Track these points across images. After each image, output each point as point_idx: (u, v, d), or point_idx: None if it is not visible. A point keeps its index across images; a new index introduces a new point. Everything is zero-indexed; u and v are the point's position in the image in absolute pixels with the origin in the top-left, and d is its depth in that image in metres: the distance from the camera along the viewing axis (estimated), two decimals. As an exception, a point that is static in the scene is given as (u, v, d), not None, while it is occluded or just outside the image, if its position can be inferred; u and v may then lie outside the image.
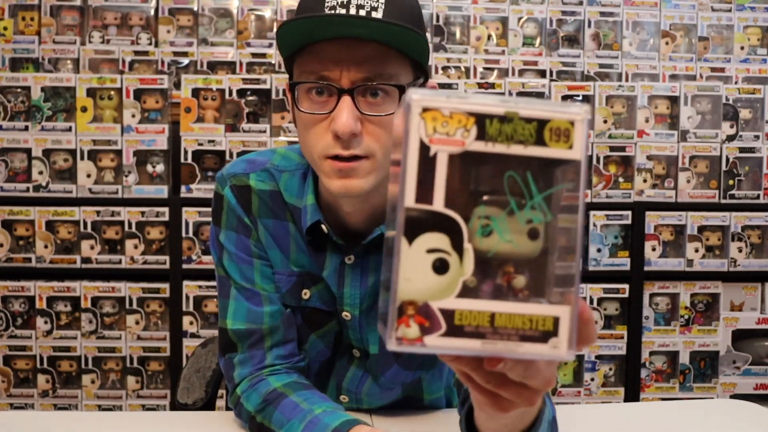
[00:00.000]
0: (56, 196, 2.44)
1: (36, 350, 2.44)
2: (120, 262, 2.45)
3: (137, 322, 2.46)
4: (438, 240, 0.48)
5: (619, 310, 2.56)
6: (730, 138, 2.59)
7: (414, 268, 0.48)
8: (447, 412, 1.19)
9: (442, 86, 2.51)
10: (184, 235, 2.45)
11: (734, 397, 2.51)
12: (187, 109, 2.46)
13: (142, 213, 2.45)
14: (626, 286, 2.53)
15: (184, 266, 2.45)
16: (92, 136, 2.44)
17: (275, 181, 1.11)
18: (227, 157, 2.46)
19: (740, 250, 2.57)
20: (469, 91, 2.55)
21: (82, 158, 2.44)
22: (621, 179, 2.56)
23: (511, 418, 0.70)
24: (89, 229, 2.43)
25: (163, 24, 2.68)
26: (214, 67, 2.70)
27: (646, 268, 2.54)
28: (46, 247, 2.44)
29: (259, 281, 1.11)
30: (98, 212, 2.44)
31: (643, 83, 2.58)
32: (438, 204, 0.47)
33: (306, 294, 1.11)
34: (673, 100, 2.58)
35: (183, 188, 2.47)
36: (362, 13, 0.91)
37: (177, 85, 2.57)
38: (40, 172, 2.44)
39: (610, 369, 2.57)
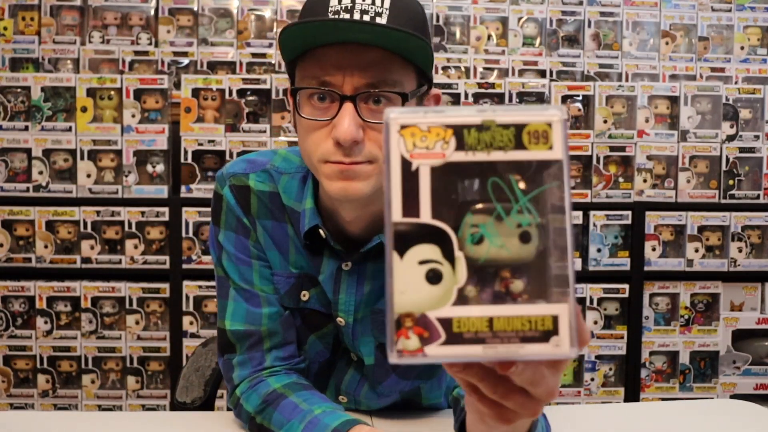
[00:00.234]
0: (56, 196, 2.44)
1: (36, 350, 2.44)
2: (120, 262, 2.45)
3: (137, 322, 2.46)
4: (429, 251, 0.48)
5: (619, 310, 2.56)
6: (730, 138, 2.59)
7: (407, 280, 0.48)
8: (447, 413, 1.19)
9: (443, 86, 2.51)
10: (184, 235, 2.45)
11: (734, 397, 2.51)
12: (187, 109, 2.46)
13: (142, 213, 2.45)
14: (626, 286, 2.53)
15: (184, 266, 2.46)
16: (92, 136, 2.44)
17: (274, 183, 1.10)
18: (227, 157, 2.46)
19: (740, 250, 2.57)
20: (469, 92, 2.55)
21: (82, 158, 2.44)
22: (621, 179, 2.56)
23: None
24: (89, 229, 2.44)
25: (163, 24, 2.68)
26: (214, 67, 2.70)
27: (646, 268, 2.54)
28: (46, 247, 2.44)
29: (258, 282, 1.11)
30: (98, 212, 2.44)
31: (643, 83, 2.58)
32: (425, 216, 0.48)
33: (305, 295, 1.11)
34: (673, 100, 2.58)
35: (183, 188, 2.47)
36: (366, 18, 0.90)
37: (177, 85, 2.57)
38: (40, 172, 2.44)
39: (610, 369, 2.57)
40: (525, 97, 2.57)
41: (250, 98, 2.51)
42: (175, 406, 1.37)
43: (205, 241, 2.46)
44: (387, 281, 0.48)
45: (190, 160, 2.47)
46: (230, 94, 2.48)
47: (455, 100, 2.55)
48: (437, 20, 2.76)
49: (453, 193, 0.49)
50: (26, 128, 2.44)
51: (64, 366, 2.46)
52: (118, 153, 2.44)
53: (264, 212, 1.10)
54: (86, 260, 2.44)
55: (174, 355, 2.46)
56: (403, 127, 0.49)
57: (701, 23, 2.81)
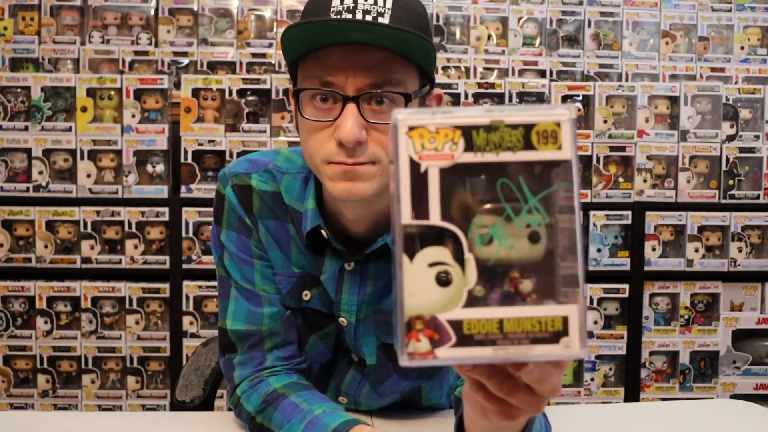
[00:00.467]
0: (56, 196, 2.44)
1: (36, 350, 2.44)
2: (120, 262, 2.45)
3: (137, 322, 2.46)
4: (439, 253, 0.48)
5: (619, 310, 2.56)
6: (730, 138, 2.59)
7: (418, 283, 0.48)
8: (448, 412, 1.19)
9: (443, 86, 2.51)
10: (184, 235, 2.45)
11: (734, 397, 2.51)
12: (187, 109, 2.46)
13: (142, 213, 2.45)
14: (626, 286, 2.53)
15: (184, 266, 2.45)
16: (92, 136, 2.44)
17: (276, 183, 1.10)
18: (227, 157, 2.46)
19: (740, 250, 2.57)
20: (469, 92, 2.55)
21: (82, 158, 2.43)
22: (621, 179, 2.56)
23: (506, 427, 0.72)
24: (89, 229, 2.43)
25: (163, 24, 2.68)
26: (214, 67, 2.70)
27: (646, 268, 2.54)
28: (46, 247, 2.44)
29: (260, 282, 1.11)
30: (98, 212, 2.44)
31: (643, 83, 2.58)
32: (435, 218, 0.48)
33: (306, 295, 1.11)
34: (673, 100, 2.58)
35: (183, 188, 2.47)
36: (369, 18, 0.90)
37: (177, 85, 2.57)
38: (40, 172, 2.44)
39: (610, 369, 2.57)
40: (525, 97, 2.57)
41: (250, 98, 2.51)
42: (175, 405, 1.37)
43: (205, 241, 2.46)
44: (396, 284, 0.48)
45: (190, 160, 2.47)
46: (230, 94, 2.48)
47: (455, 100, 2.55)
48: (437, 20, 2.76)
49: (462, 195, 0.48)
50: (26, 128, 2.44)
51: (64, 366, 2.46)
52: (118, 153, 2.44)
53: (266, 212, 1.10)
54: (86, 260, 2.44)
55: (174, 355, 2.45)
56: (411, 128, 0.49)
57: (701, 23, 2.81)
